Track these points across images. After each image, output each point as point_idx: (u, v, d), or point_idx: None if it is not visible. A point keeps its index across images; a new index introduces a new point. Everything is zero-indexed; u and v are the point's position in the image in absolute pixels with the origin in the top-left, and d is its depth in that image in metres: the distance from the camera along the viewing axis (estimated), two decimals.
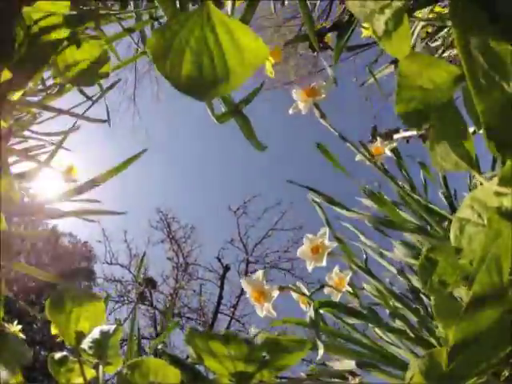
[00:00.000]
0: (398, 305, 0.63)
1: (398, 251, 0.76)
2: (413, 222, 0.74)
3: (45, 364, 0.37)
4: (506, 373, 0.31)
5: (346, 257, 0.70)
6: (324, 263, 0.71)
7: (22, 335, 1.03)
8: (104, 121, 0.64)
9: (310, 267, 0.72)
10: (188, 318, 7.48)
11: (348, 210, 0.76)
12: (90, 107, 0.62)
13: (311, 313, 0.54)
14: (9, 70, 0.42)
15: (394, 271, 0.73)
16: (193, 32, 0.26)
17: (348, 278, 0.73)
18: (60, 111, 0.59)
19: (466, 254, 0.28)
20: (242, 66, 0.27)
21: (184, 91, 0.27)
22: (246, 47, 0.26)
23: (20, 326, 1.08)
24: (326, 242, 0.71)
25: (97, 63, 0.48)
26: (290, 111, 0.74)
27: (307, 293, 0.68)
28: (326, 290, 0.74)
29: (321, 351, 0.50)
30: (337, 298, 0.72)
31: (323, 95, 0.72)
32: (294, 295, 0.71)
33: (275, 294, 0.66)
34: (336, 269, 0.75)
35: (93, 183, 0.52)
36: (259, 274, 0.67)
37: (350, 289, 0.72)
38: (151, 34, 0.28)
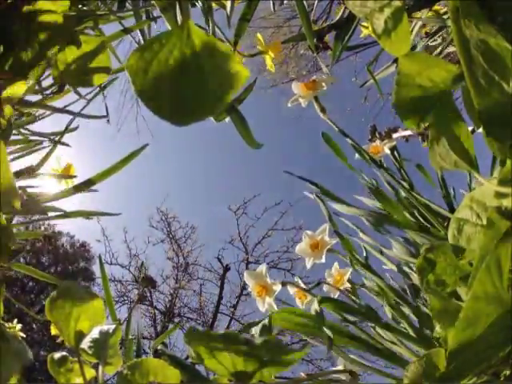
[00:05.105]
0: (399, 301, 0.63)
1: (396, 249, 0.76)
2: (412, 219, 0.74)
3: (45, 364, 0.37)
4: (506, 373, 0.31)
5: (346, 253, 0.69)
6: (323, 260, 0.70)
7: (21, 335, 1.03)
8: (102, 117, 0.64)
9: (308, 264, 0.71)
10: (188, 318, 7.48)
11: (347, 204, 0.76)
12: (88, 103, 0.61)
13: (315, 306, 0.54)
14: (8, 68, 0.42)
15: (394, 268, 0.73)
16: (172, 52, 0.25)
17: (348, 274, 0.72)
18: (59, 110, 0.59)
19: (465, 254, 0.28)
20: (222, 90, 0.25)
21: (160, 115, 0.25)
22: (226, 69, 0.25)
23: (20, 326, 1.08)
24: (326, 238, 0.70)
25: (97, 61, 0.48)
26: (289, 104, 0.73)
27: (305, 289, 0.67)
28: (325, 288, 0.73)
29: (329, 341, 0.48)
30: (335, 295, 0.71)
31: (324, 88, 0.71)
32: (291, 290, 0.70)
33: (277, 288, 0.65)
34: (336, 265, 0.73)
35: (91, 182, 0.52)
36: (262, 268, 0.66)
37: (349, 286, 0.71)
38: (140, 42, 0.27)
